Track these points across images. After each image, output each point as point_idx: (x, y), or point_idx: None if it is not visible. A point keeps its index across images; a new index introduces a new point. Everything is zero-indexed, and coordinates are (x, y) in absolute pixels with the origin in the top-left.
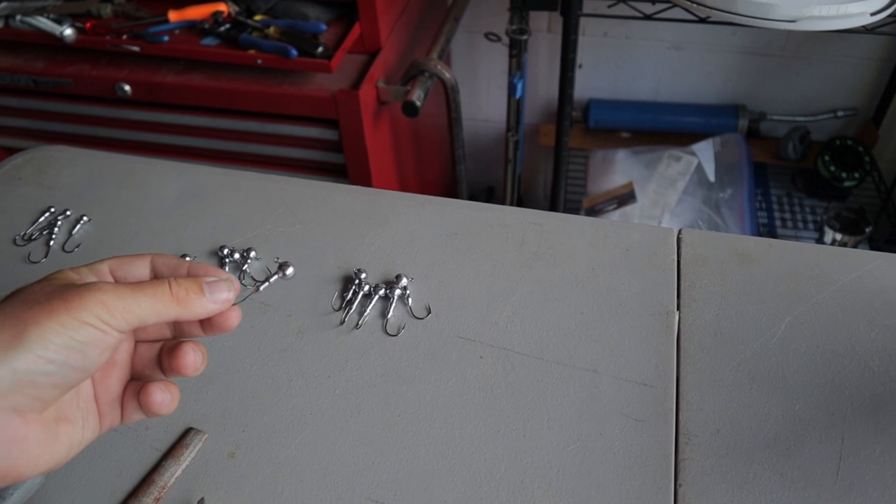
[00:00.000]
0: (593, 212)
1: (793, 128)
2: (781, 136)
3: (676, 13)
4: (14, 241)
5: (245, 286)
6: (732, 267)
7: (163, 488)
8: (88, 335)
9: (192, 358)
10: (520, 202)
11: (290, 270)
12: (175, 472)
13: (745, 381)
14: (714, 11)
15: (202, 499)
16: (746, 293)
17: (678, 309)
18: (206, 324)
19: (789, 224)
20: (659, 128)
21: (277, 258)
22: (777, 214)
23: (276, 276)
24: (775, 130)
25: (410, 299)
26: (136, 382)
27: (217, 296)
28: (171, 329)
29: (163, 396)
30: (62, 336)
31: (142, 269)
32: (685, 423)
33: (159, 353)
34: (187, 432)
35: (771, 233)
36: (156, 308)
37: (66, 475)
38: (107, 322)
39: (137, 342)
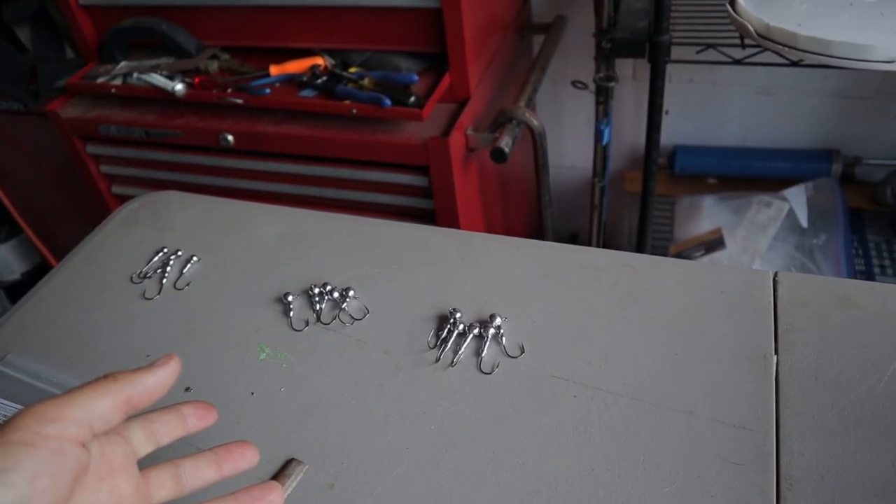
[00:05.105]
0: (680, 258)
1: (891, 172)
2: (879, 181)
3: (767, 57)
4: (131, 279)
5: (343, 324)
6: (833, 310)
7: None
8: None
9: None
10: (604, 248)
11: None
12: None
13: (850, 426)
14: (808, 54)
15: None
16: (848, 337)
17: (776, 352)
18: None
19: (889, 271)
20: (747, 173)
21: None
22: (875, 261)
23: None
24: (872, 175)
25: (504, 338)
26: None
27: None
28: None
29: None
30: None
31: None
32: (786, 467)
33: None
34: (289, 462)
35: (869, 280)
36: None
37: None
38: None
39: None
